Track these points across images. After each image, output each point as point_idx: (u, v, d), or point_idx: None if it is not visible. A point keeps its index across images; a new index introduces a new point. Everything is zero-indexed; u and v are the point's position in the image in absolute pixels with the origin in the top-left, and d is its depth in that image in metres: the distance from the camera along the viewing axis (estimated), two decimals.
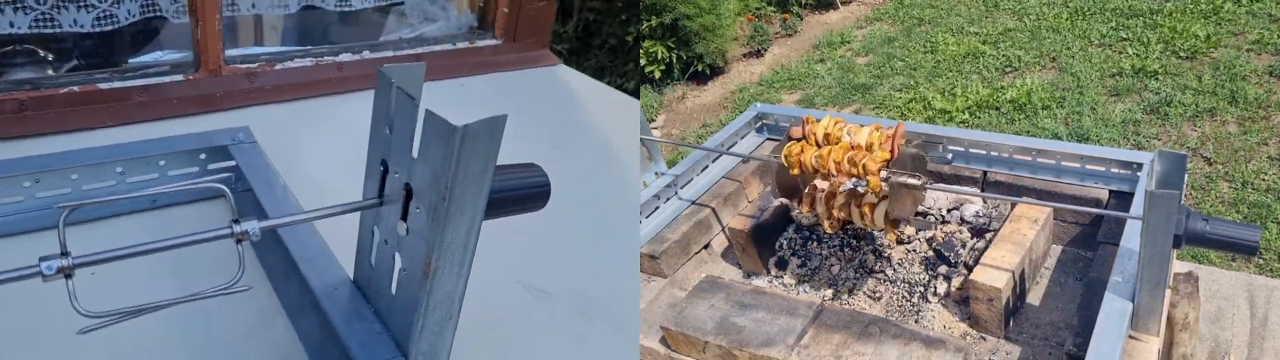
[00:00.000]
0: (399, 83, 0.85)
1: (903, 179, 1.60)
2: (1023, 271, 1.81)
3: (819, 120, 1.75)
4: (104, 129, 1.59)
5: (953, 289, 1.89)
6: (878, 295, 1.99)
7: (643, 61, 5.57)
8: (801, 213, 1.93)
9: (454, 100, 1.94)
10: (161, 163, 1.34)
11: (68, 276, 0.79)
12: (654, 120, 5.44)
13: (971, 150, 2.05)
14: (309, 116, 1.80)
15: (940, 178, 2.14)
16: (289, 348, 1.12)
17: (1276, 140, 3.70)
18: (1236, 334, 2.63)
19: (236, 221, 0.87)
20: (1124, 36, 4.85)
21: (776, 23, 6.22)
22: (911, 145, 1.72)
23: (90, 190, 1.30)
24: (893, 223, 1.73)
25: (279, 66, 1.87)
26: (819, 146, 1.72)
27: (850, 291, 2.02)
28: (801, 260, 2.12)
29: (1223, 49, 4.47)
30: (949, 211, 2.04)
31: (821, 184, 1.76)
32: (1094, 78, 4.51)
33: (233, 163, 1.38)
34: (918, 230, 2.01)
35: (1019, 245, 1.80)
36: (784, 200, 1.94)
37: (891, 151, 1.64)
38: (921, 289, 1.93)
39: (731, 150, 2.31)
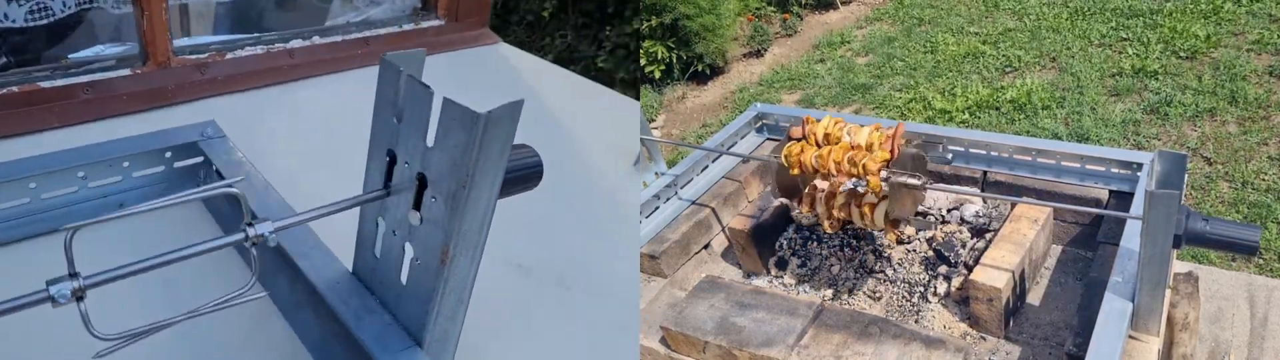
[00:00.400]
0: (407, 70, 0.82)
1: (903, 179, 1.60)
2: (1023, 271, 1.81)
3: (819, 120, 1.75)
4: (51, 131, 1.49)
5: (953, 289, 1.89)
6: (878, 295, 1.99)
7: (643, 61, 5.57)
8: (801, 213, 1.93)
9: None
10: (125, 164, 1.26)
11: (80, 299, 0.75)
12: (654, 120, 5.44)
13: (971, 150, 2.05)
14: (266, 106, 1.72)
15: (940, 178, 2.14)
16: (290, 348, 1.11)
17: (1276, 140, 3.70)
18: (1236, 334, 2.63)
19: (250, 225, 0.83)
20: (1124, 36, 4.85)
21: (776, 23, 6.22)
22: (911, 145, 1.72)
23: (51, 199, 1.21)
24: (893, 223, 1.73)
25: (230, 56, 1.79)
26: (819, 146, 1.72)
27: (850, 291, 2.02)
28: (801, 260, 2.12)
29: (1223, 49, 4.46)
30: (949, 211, 2.04)
31: (821, 184, 1.76)
32: (1094, 78, 4.51)
33: (201, 159, 1.31)
34: (918, 230, 2.01)
35: (1019, 245, 1.80)
36: (784, 200, 1.94)
37: (891, 151, 1.64)
38: (921, 289, 1.93)
39: (731, 150, 2.31)
